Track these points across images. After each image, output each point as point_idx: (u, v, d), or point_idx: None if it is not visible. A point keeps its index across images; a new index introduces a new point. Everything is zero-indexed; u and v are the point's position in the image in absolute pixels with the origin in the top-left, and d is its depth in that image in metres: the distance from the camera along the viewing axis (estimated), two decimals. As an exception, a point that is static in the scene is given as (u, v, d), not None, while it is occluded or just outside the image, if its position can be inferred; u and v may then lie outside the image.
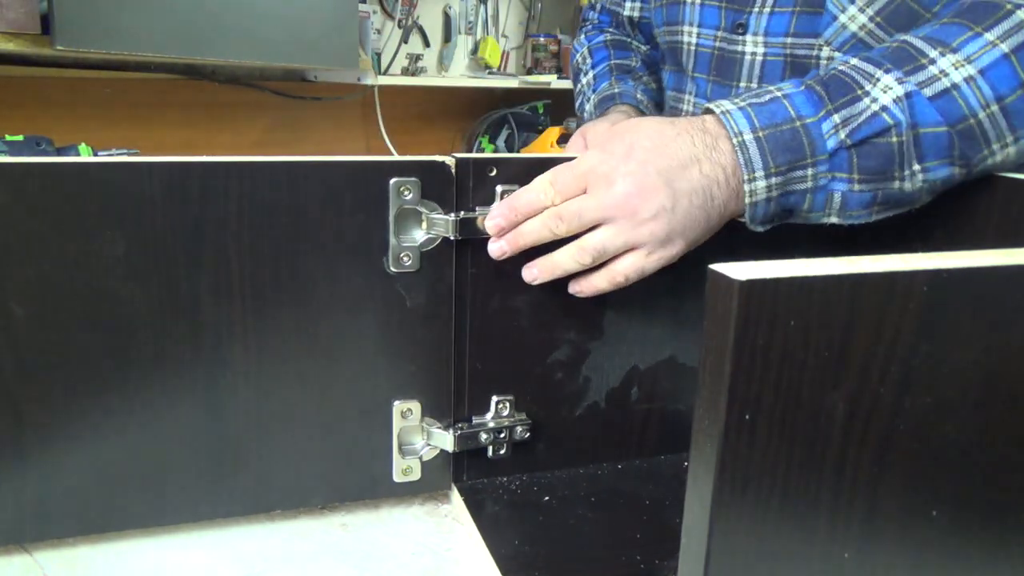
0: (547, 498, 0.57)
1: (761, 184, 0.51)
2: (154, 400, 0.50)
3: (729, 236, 0.54)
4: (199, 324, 0.49)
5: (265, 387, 0.52)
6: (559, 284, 0.55)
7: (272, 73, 2.17)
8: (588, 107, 0.94)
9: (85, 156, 1.37)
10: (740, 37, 0.72)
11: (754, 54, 0.72)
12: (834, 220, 0.53)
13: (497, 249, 0.53)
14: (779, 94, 0.52)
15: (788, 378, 0.30)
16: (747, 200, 0.51)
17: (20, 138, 1.42)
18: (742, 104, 0.52)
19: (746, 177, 0.51)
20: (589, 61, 0.97)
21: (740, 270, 0.29)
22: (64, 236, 0.46)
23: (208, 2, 1.68)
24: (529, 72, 2.61)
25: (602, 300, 0.57)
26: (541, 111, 2.54)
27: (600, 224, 0.51)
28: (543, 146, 2.32)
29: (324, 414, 0.53)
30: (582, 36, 1.01)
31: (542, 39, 2.61)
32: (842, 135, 0.50)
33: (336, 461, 0.55)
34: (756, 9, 0.70)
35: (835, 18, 0.65)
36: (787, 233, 0.54)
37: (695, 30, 0.77)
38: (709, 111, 0.53)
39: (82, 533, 0.51)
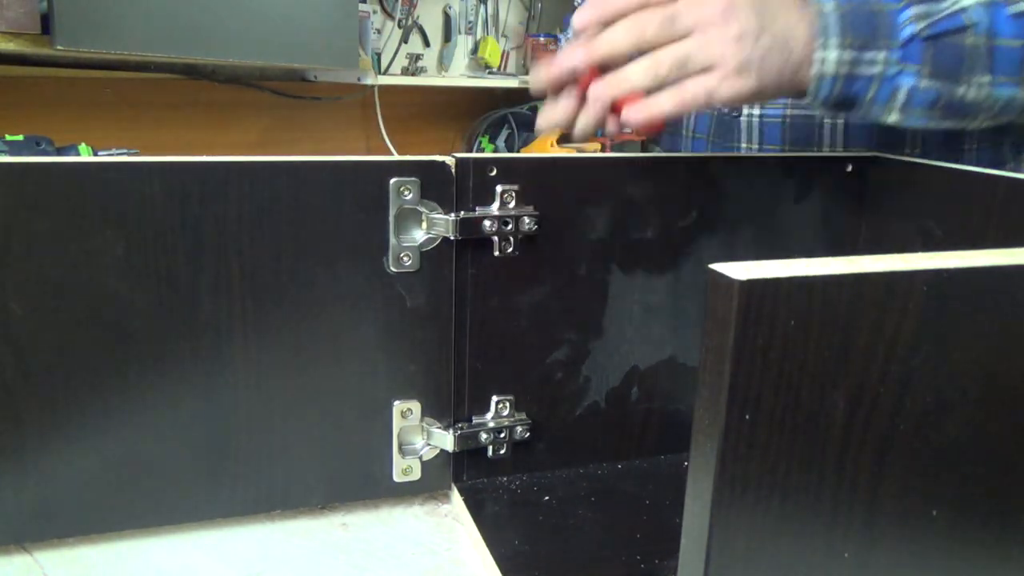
0: (547, 498, 0.57)
1: (832, 55, 0.50)
2: (154, 400, 0.50)
3: (729, 236, 0.54)
4: (199, 324, 0.49)
5: (265, 387, 0.52)
6: (559, 284, 0.56)
7: (272, 73, 2.17)
8: None
9: (85, 156, 1.37)
10: None
11: None
12: (894, 118, 0.53)
13: (570, 58, 0.51)
14: None
15: (788, 378, 0.30)
16: (815, 70, 0.51)
17: (20, 138, 1.42)
18: None
19: (820, 42, 0.50)
20: None
21: (740, 270, 0.29)
22: (64, 236, 0.46)
23: (208, 2, 1.68)
24: (529, 72, 2.61)
25: (602, 300, 0.57)
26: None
27: (685, 36, 0.50)
28: (543, 146, 2.32)
29: (324, 414, 0.53)
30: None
31: (542, 39, 2.61)
32: (920, 26, 0.50)
33: (336, 461, 0.55)
34: None
35: None
36: (787, 233, 0.54)
37: None
38: None
39: (82, 533, 0.51)
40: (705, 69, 0.50)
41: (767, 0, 0.51)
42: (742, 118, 0.70)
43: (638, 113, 0.51)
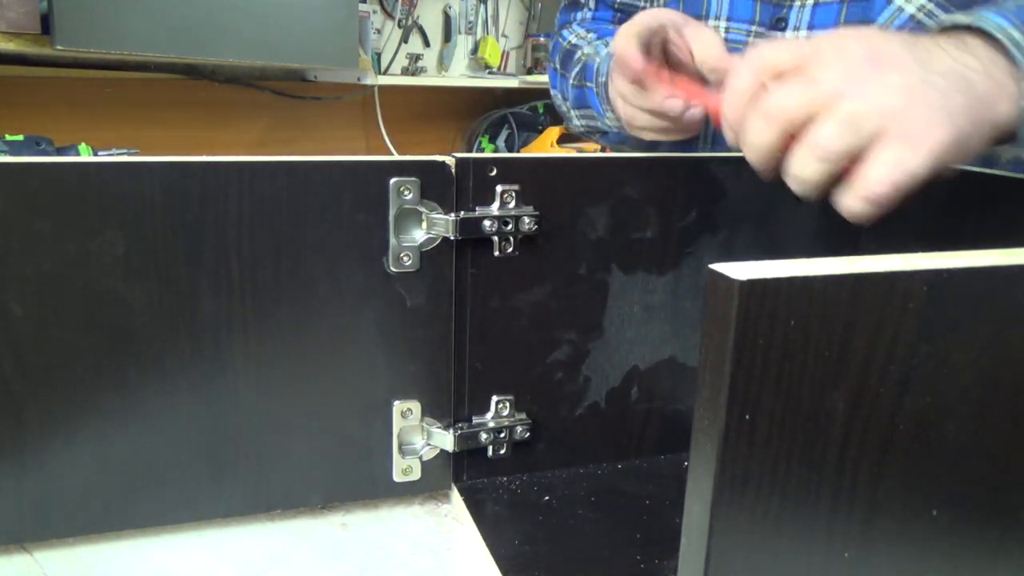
0: (547, 498, 0.57)
1: None
2: (154, 400, 0.50)
3: (729, 236, 0.54)
4: (199, 324, 0.49)
5: (265, 387, 0.52)
6: (558, 284, 0.56)
7: (272, 73, 2.17)
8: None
9: (85, 156, 1.37)
10: (780, 34, 0.64)
11: None
12: None
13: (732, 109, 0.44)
14: (1017, 5, 0.44)
15: (788, 378, 0.30)
16: None
17: (20, 138, 1.42)
18: (976, 13, 0.43)
19: None
20: (592, 36, 0.80)
21: (740, 270, 0.29)
22: (64, 236, 0.46)
23: (208, 2, 1.68)
24: (529, 72, 2.62)
25: (602, 300, 0.57)
26: (541, 111, 2.55)
27: (820, 112, 0.40)
28: (543, 146, 2.32)
29: (324, 414, 0.53)
30: (575, 26, 0.85)
31: (542, 39, 2.61)
32: None
33: (336, 461, 0.55)
34: (797, 1, 0.63)
35: (889, 1, 0.60)
36: (787, 233, 0.54)
37: (724, 24, 0.69)
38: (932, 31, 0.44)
39: (82, 533, 0.51)
40: (878, 134, 0.40)
41: (900, 39, 0.42)
42: None
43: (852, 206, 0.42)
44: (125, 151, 1.52)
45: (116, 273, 0.47)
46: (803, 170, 0.41)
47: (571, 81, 0.80)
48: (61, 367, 0.47)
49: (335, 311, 0.52)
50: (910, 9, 0.59)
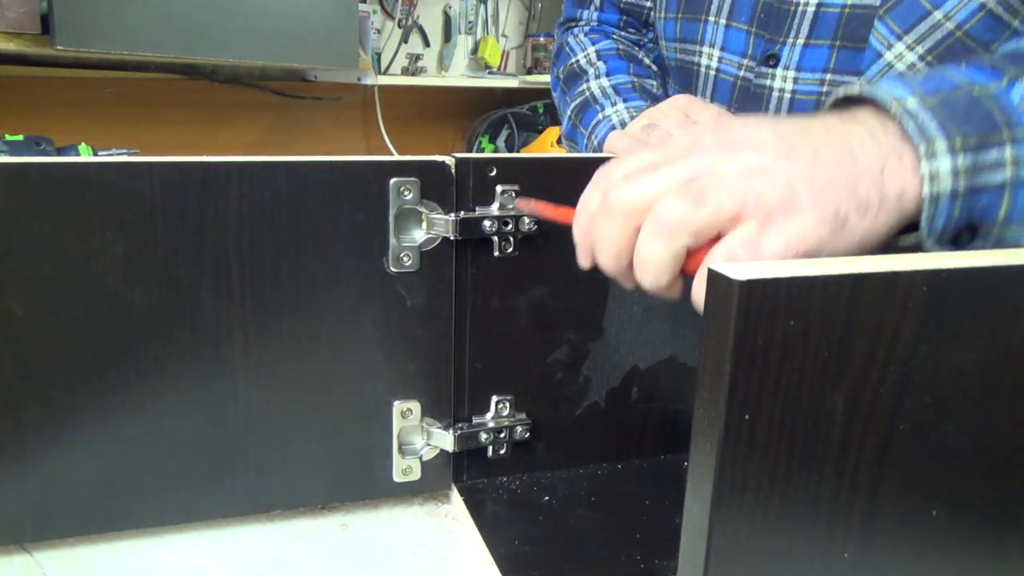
0: (547, 498, 0.57)
1: (945, 164, 0.36)
2: (153, 400, 0.50)
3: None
4: (198, 324, 0.49)
5: (265, 387, 0.52)
6: (558, 284, 0.55)
7: (272, 73, 2.17)
8: (617, 117, 0.72)
9: (85, 156, 1.37)
10: (770, 70, 0.65)
11: (782, 90, 0.65)
12: None
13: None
14: (939, 71, 0.40)
15: (788, 378, 0.30)
16: (926, 190, 0.36)
17: (20, 138, 1.42)
18: (882, 80, 0.39)
19: (923, 151, 0.36)
20: (601, 65, 0.79)
21: (740, 270, 0.29)
22: (64, 236, 0.46)
23: (208, 2, 1.68)
24: (529, 72, 2.62)
25: (602, 300, 0.57)
26: (541, 111, 2.55)
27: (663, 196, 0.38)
28: (543, 146, 2.32)
29: (324, 414, 0.53)
30: (581, 36, 0.84)
31: (542, 39, 2.61)
32: None
33: (336, 461, 0.55)
34: (790, 40, 0.63)
35: (879, 55, 0.59)
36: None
37: (717, 53, 0.68)
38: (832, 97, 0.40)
39: (82, 533, 0.51)
40: (725, 213, 0.36)
41: (772, 119, 0.39)
42: (773, 92, 0.65)
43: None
44: (125, 151, 1.52)
45: (116, 273, 0.47)
46: (645, 250, 0.38)
47: (569, 108, 0.80)
48: (61, 367, 0.47)
49: (335, 311, 0.52)
50: (900, 66, 0.58)
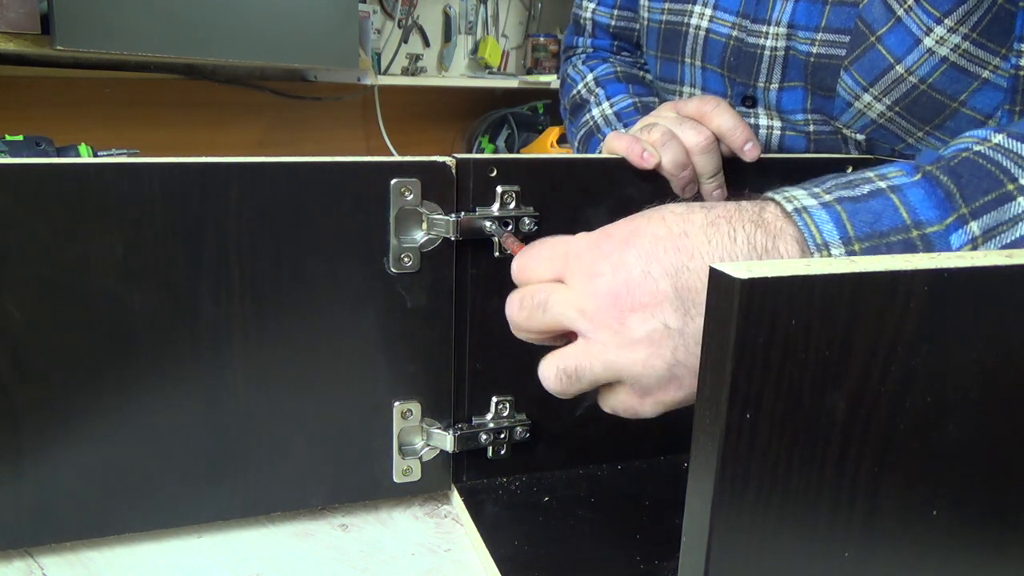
0: (547, 498, 0.56)
1: None
2: (153, 402, 0.50)
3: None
4: (198, 325, 0.49)
5: (265, 388, 0.52)
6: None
7: (272, 73, 2.17)
8: None
9: (85, 156, 1.37)
10: (750, 110, 0.65)
11: (770, 127, 0.65)
12: None
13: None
14: (883, 185, 0.37)
15: (789, 377, 0.30)
16: None
17: (20, 138, 1.42)
18: (827, 199, 0.37)
19: None
20: (600, 92, 0.79)
21: (741, 269, 0.29)
22: (63, 237, 0.46)
23: (208, 2, 1.68)
24: (529, 72, 2.62)
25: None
26: (541, 111, 2.55)
27: (576, 334, 0.39)
28: (543, 146, 2.32)
29: (324, 415, 0.53)
30: (579, 64, 0.85)
31: (542, 39, 2.61)
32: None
33: (336, 462, 0.54)
34: (762, 84, 0.63)
35: (849, 104, 0.59)
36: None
37: (698, 93, 0.68)
38: (770, 200, 0.38)
39: (82, 536, 0.51)
40: (619, 381, 0.39)
41: (687, 248, 0.37)
42: (760, 130, 0.65)
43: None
44: (125, 151, 1.52)
45: (115, 275, 0.47)
46: (546, 373, 0.42)
47: (576, 138, 0.81)
48: (60, 370, 0.47)
49: (335, 312, 0.52)
50: (871, 115, 0.59)
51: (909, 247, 0.35)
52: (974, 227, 0.35)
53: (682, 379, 0.37)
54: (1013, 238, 0.35)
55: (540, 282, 0.41)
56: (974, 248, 0.36)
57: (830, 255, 0.35)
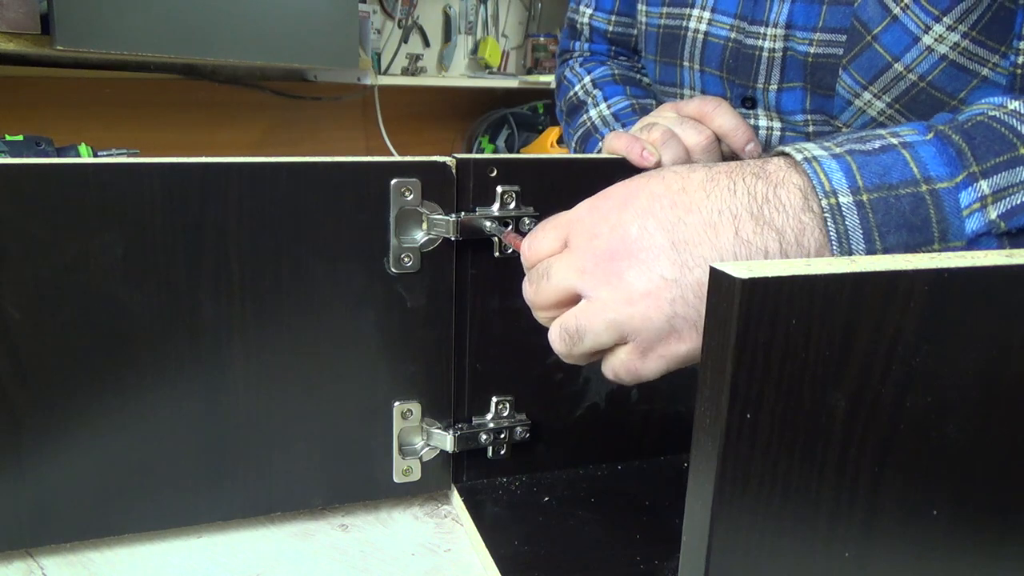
0: (547, 498, 0.56)
1: None
2: (153, 403, 0.50)
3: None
4: (198, 326, 0.49)
5: (265, 388, 0.52)
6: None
7: (272, 73, 2.17)
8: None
9: (85, 156, 1.37)
10: (750, 111, 0.65)
11: (770, 128, 0.65)
12: None
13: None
14: (895, 141, 0.37)
15: (789, 377, 0.30)
16: None
17: (20, 138, 1.42)
18: (838, 151, 0.37)
19: (837, 251, 0.36)
20: (598, 94, 0.80)
21: (741, 268, 0.29)
22: (62, 238, 0.46)
23: (208, 2, 1.68)
24: (529, 72, 2.62)
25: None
26: (541, 111, 2.55)
27: (579, 296, 0.40)
28: (543, 146, 2.32)
29: (324, 415, 0.53)
30: (576, 66, 0.85)
31: (542, 39, 2.61)
32: (992, 215, 0.35)
33: (336, 462, 0.54)
34: (761, 85, 0.63)
35: (849, 102, 0.59)
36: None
37: (697, 96, 0.69)
38: (782, 153, 0.39)
39: (81, 537, 0.51)
40: (621, 342, 0.39)
41: (684, 203, 0.37)
42: (760, 131, 0.66)
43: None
44: (125, 151, 1.52)
45: (115, 275, 0.47)
46: (552, 338, 0.42)
47: (573, 140, 0.82)
48: (59, 371, 0.47)
49: (335, 312, 0.52)
50: (872, 113, 0.59)
51: (918, 200, 0.35)
52: (984, 186, 0.35)
53: (681, 332, 0.37)
54: (1022, 199, 0.35)
55: (547, 256, 0.41)
56: (983, 207, 0.36)
57: (837, 203, 0.36)
